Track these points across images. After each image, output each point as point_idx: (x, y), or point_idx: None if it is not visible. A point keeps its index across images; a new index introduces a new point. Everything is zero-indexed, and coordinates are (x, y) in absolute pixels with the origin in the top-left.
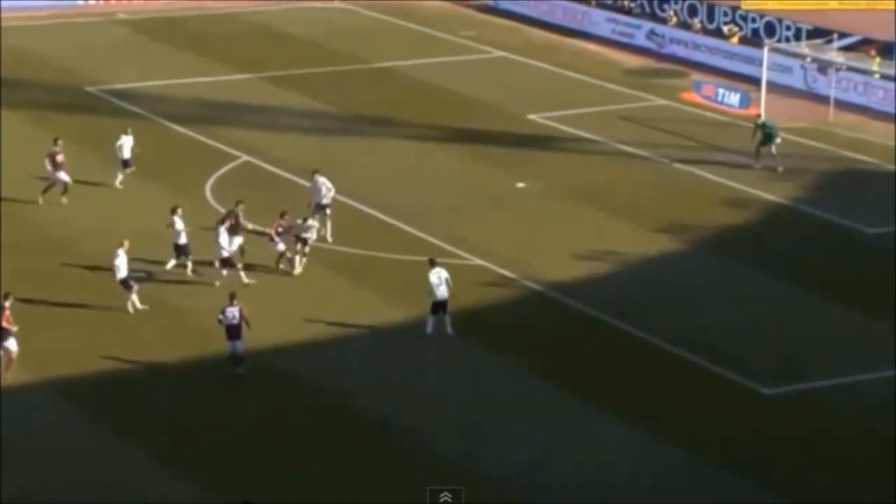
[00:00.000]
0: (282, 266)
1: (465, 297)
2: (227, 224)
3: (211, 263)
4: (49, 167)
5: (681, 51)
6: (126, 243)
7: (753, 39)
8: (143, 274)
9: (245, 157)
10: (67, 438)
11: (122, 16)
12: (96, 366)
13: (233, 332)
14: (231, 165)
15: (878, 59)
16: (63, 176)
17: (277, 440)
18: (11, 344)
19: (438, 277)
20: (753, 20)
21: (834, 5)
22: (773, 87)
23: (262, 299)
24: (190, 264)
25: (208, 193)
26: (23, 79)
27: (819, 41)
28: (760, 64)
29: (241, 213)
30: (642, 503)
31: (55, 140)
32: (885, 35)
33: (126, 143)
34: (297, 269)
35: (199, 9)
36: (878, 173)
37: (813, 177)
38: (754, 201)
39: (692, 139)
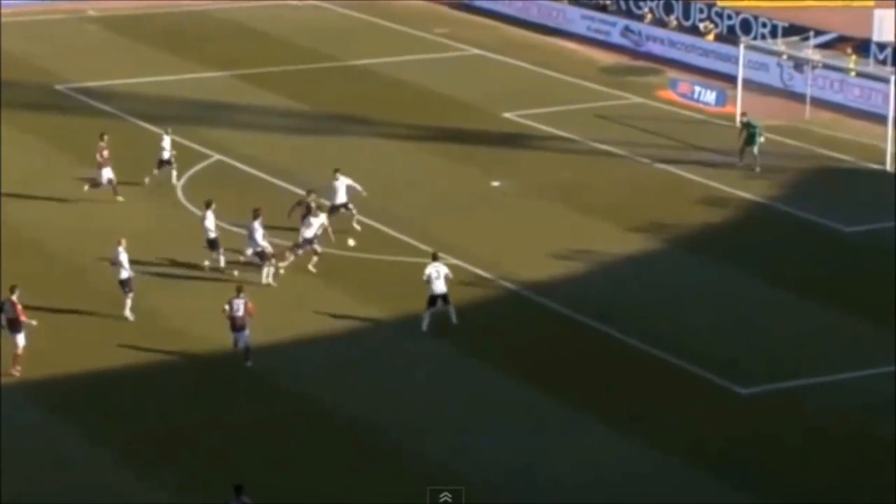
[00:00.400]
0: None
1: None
2: (261, 219)
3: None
4: (99, 162)
5: (656, 48)
6: (124, 241)
7: (729, 37)
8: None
9: (217, 157)
10: (42, 440)
11: (91, 13)
12: (70, 367)
13: (236, 324)
14: (203, 164)
15: (854, 57)
16: (107, 173)
17: (256, 443)
18: (20, 339)
19: (437, 271)
20: (729, 17)
21: (810, 3)
22: (749, 85)
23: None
24: (222, 259)
25: (179, 193)
26: None
27: (795, 38)
28: (736, 61)
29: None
30: None
31: (101, 136)
32: (860, 32)
33: (167, 144)
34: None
35: (171, 6)
36: (855, 171)
37: (790, 175)
38: (732, 200)
39: (668, 137)
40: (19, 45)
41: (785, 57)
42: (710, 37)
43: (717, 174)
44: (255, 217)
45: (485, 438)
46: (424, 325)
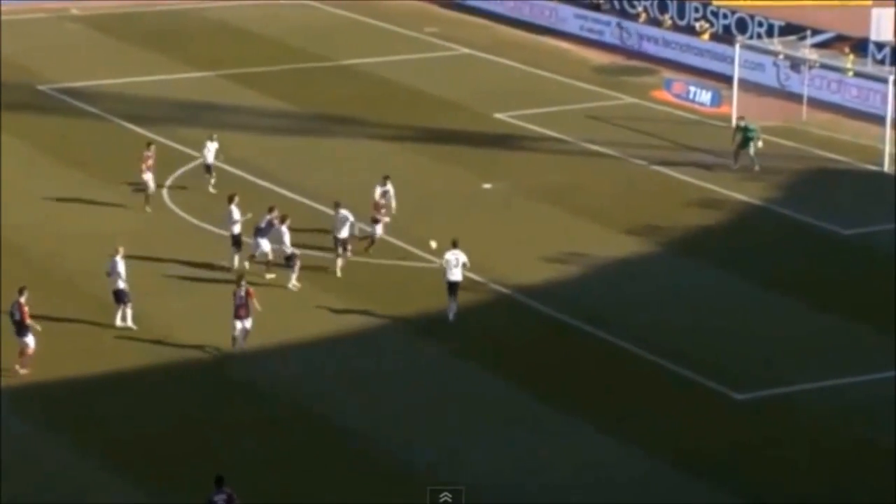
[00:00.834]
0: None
1: (431, 301)
2: (288, 221)
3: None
4: (144, 169)
5: (651, 48)
6: (121, 250)
7: (725, 36)
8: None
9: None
10: (22, 446)
11: (75, 11)
12: (51, 373)
13: (240, 311)
14: (189, 166)
15: (851, 57)
16: (148, 180)
17: (246, 447)
18: (30, 340)
19: (455, 258)
20: (725, 16)
21: (807, 2)
22: (745, 85)
23: (222, 307)
24: (237, 258)
25: (165, 195)
26: None
27: (792, 38)
28: (732, 61)
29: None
30: None
31: (148, 144)
32: (858, 32)
33: (211, 149)
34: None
35: (156, 5)
36: (853, 173)
37: (787, 177)
38: (727, 202)
39: (663, 138)
40: (1, 45)
41: (781, 57)
42: (706, 36)
43: (713, 176)
44: (283, 221)
45: (477, 442)
46: (451, 315)
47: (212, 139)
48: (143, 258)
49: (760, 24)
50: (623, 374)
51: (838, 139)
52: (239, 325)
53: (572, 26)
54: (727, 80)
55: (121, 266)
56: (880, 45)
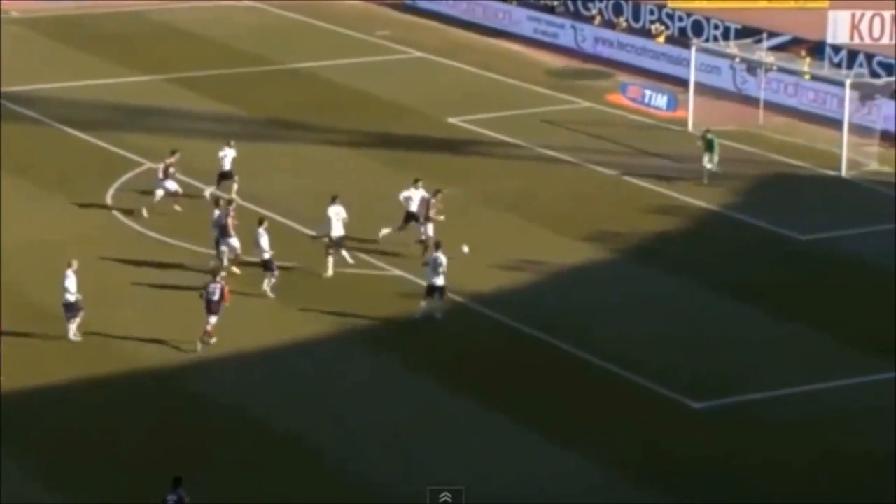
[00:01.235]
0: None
1: (383, 310)
2: (266, 224)
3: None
4: (161, 175)
5: (606, 51)
6: (74, 263)
7: (680, 39)
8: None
9: (149, 164)
10: None
11: (14, 14)
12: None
13: (211, 307)
14: (134, 172)
15: (808, 60)
16: (170, 185)
17: (195, 459)
18: (213, 319)
19: (436, 262)
20: (680, 19)
21: (763, 4)
22: (702, 89)
23: (169, 315)
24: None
25: (110, 202)
26: None
27: (748, 41)
28: (688, 64)
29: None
30: None
31: (172, 151)
32: (815, 35)
33: (228, 156)
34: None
35: (99, 7)
36: (810, 178)
37: (744, 182)
38: (684, 208)
39: (618, 143)
40: None
41: (738, 60)
42: (661, 39)
43: (669, 181)
44: (261, 223)
45: (432, 452)
46: (439, 315)
47: (230, 145)
48: (87, 265)
49: (716, 27)
50: (579, 383)
51: (795, 143)
52: (213, 319)
53: (526, 29)
54: (683, 83)
55: (71, 280)
56: (837, 48)
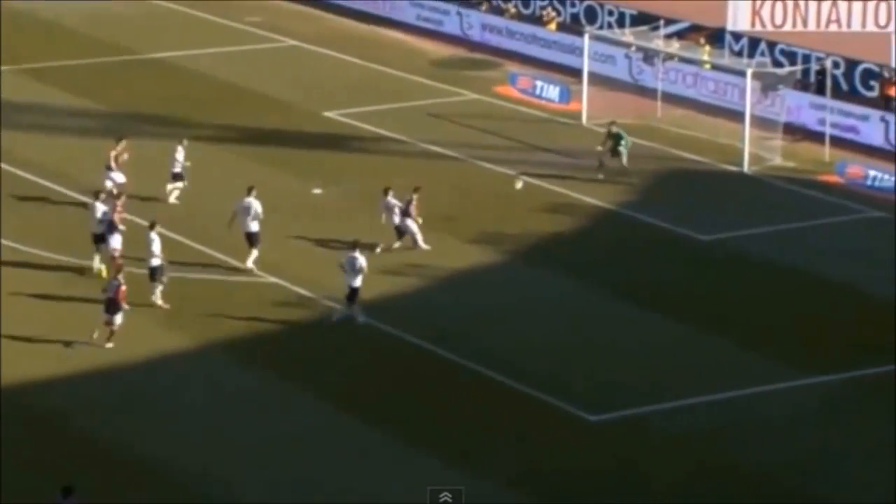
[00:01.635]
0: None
1: (256, 322)
2: (157, 227)
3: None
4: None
5: (494, 39)
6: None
7: (573, 26)
8: None
9: None
10: None
11: None
12: None
13: (110, 305)
14: None
15: (707, 48)
16: (117, 177)
17: (38, 482)
18: (118, 318)
19: (353, 262)
20: (573, 4)
21: None
22: (596, 79)
23: (16, 327)
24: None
25: None
26: None
27: (644, 28)
28: (581, 53)
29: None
30: None
31: (118, 140)
32: (714, 21)
33: (180, 155)
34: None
35: None
36: (711, 174)
37: (642, 179)
38: (577, 207)
39: (509, 138)
40: None
41: (633, 48)
42: (552, 26)
43: (562, 178)
44: (152, 227)
45: (312, 477)
46: (361, 318)
47: (182, 144)
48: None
49: (611, 13)
50: (470, 395)
51: (695, 137)
52: (117, 318)
53: (408, 16)
54: (576, 73)
55: (156, 243)
56: (737, 36)
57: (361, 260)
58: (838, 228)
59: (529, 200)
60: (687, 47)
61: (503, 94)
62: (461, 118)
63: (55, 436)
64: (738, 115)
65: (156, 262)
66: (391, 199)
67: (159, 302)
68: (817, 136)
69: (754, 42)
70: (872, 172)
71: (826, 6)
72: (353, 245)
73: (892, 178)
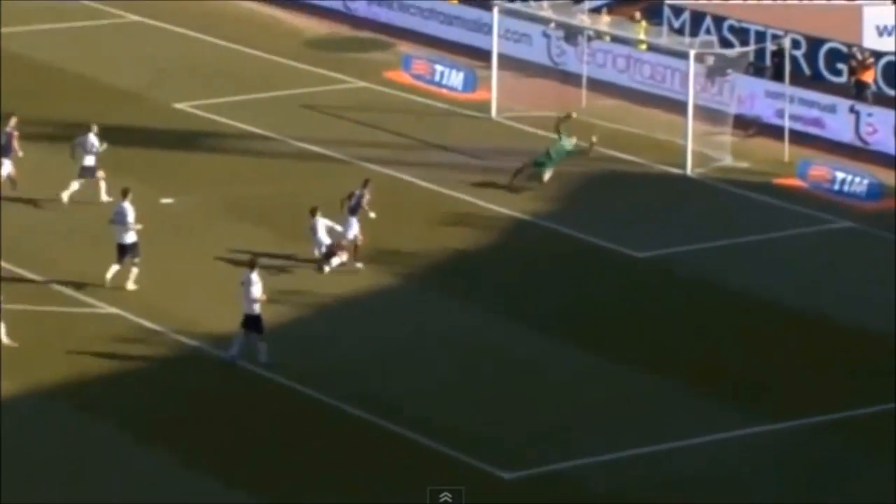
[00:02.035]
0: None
1: (91, 359)
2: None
3: None
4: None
5: (383, 14)
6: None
7: None
8: None
9: None
10: None
11: None
12: None
13: None
14: None
15: (643, 24)
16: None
17: None
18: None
19: (250, 283)
20: None
21: None
22: (508, 63)
23: None
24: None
25: None
26: None
27: (565, 1)
28: (489, 31)
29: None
30: None
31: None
32: None
33: (91, 145)
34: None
35: None
36: (648, 177)
37: (564, 184)
38: (487, 218)
39: (401, 134)
40: None
41: (553, 25)
42: None
43: (467, 183)
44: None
45: None
46: (263, 357)
47: (92, 130)
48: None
49: None
50: (349, 447)
51: (628, 133)
52: None
53: None
54: (484, 56)
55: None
56: (678, 10)
57: (256, 284)
58: (800, 243)
59: (428, 210)
60: (618, 24)
61: (395, 81)
62: (343, 111)
63: None
64: (679, 106)
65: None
66: (321, 220)
67: (5, 340)
68: (774, 131)
69: (698, 17)
70: (840, 175)
71: None
72: (251, 263)
73: (865, 182)
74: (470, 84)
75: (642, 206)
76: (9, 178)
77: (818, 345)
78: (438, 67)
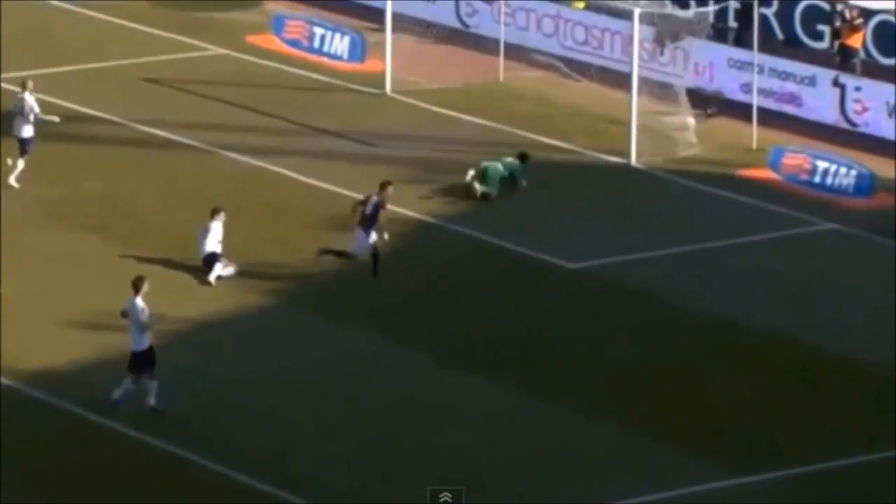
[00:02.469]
0: None
1: None
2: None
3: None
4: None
5: None
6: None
7: None
8: None
9: None
10: None
11: None
12: None
13: None
14: None
15: None
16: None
17: None
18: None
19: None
20: None
21: None
22: (405, 25)
23: None
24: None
25: None
26: None
27: None
28: None
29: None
30: None
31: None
32: None
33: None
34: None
35: None
36: (583, 168)
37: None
38: (386, 221)
39: (272, 114)
40: None
41: None
42: None
43: (357, 176)
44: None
45: None
46: (152, 401)
47: (26, 86)
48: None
49: None
50: None
51: (557, 112)
52: None
53: None
54: (376, 16)
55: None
56: None
57: (144, 311)
58: (772, 250)
59: (308, 212)
60: None
61: (263, 48)
62: (197, 85)
63: None
64: (621, 79)
65: None
66: (216, 224)
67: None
68: (740, 110)
69: None
70: (822, 164)
71: None
72: (136, 286)
73: (853, 173)
74: (358, 51)
75: (575, 205)
76: None
77: (795, 377)
78: (318, 30)
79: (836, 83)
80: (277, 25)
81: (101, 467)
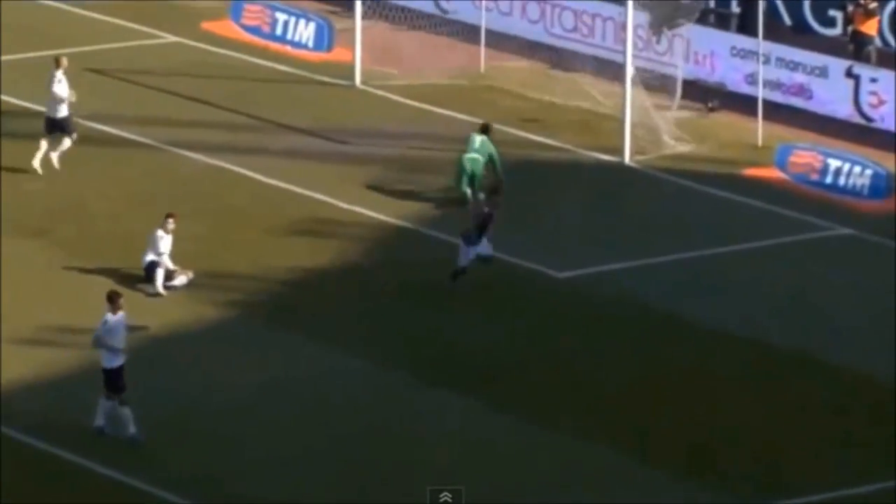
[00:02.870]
0: None
1: None
2: None
3: None
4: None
5: None
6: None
7: None
8: None
9: None
10: None
11: None
12: None
13: None
14: None
15: None
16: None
17: None
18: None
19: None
20: None
21: None
22: (376, 11)
23: None
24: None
25: None
26: None
27: None
28: None
29: None
30: None
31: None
32: None
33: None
34: None
35: None
36: (572, 167)
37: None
38: (353, 225)
39: (230, 109)
40: None
41: None
42: None
43: (325, 177)
44: None
45: None
46: (131, 430)
47: (61, 65)
48: None
49: None
50: None
51: (543, 106)
52: None
53: None
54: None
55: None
56: None
57: (116, 322)
58: (779, 257)
59: (272, 215)
60: None
61: (219, 36)
62: (148, 76)
63: None
64: (613, 70)
65: None
66: (162, 230)
67: None
68: (744, 104)
69: None
70: (834, 163)
71: None
72: (111, 300)
73: (867, 172)
74: (324, 39)
75: (564, 208)
76: None
77: (802, 396)
78: (280, 16)
79: (849, 74)
80: (236, 11)
81: (46, 497)
